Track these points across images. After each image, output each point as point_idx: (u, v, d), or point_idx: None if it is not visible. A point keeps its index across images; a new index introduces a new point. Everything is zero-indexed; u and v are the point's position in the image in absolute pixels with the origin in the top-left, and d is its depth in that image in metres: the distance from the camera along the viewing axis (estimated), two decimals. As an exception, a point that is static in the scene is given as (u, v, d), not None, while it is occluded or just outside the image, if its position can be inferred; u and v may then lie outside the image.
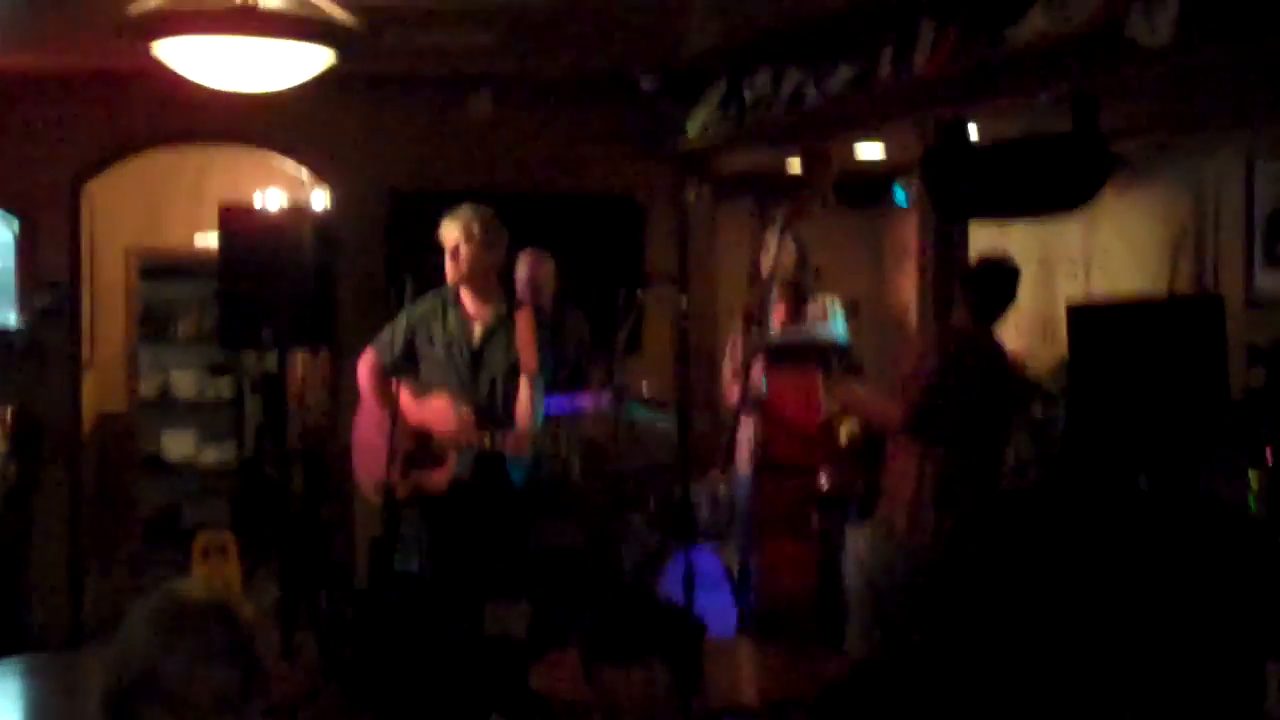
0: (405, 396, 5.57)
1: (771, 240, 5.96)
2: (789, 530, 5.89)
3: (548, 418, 5.61)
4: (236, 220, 6.82)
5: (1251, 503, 4.89)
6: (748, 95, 6.84)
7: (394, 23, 5.90)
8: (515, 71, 7.54)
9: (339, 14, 4.52)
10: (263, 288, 6.61)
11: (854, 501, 5.88)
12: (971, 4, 5.13)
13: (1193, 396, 5.26)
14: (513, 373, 5.51)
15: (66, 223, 7.63)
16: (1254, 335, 5.46)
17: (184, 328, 10.87)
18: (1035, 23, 4.67)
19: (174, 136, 8.02)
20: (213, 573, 8.20)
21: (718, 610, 5.65)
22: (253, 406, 10.68)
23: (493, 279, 5.66)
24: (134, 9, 4.39)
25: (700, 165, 7.92)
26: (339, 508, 7.82)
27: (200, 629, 2.13)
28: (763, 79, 6.68)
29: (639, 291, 6.10)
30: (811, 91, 6.25)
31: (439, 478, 5.51)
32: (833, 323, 6.06)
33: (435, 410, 5.51)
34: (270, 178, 9.11)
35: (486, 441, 5.41)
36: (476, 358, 5.58)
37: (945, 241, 6.28)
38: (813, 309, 6.09)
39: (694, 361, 7.84)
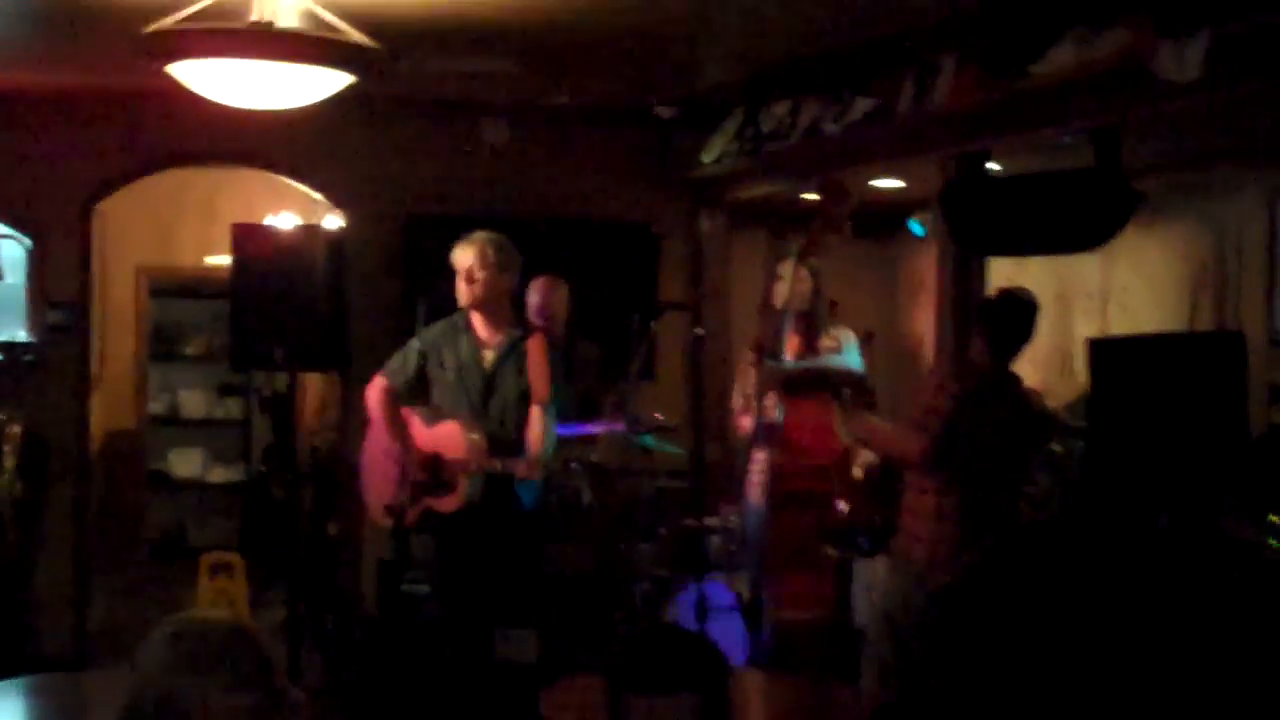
0: (416, 422, 5.54)
1: (785, 270, 5.93)
2: (802, 561, 5.84)
3: (559, 443, 5.58)
4: (249, 238, 6.80)
5: (1272, 542, 4.84)
6: (765, 125, 6.81)
7: (411, 47, 5.88)
8: (532, 98, 7.53)
9: (357, 36, 4.50)
10: (275, 307, 6.59)
11: (864, 535, 5.84)
12: (994, 39, 5.11)
13: (1212, 434, 5.21)
14: (524, 399, 5.48)
15: (78, 241, 7.61)
16: (1275, 373, 5.44)
17: (193, 347, 10.88)
18: (1062, 57, 4.65)
19: (186, 158, 8.02)
20: (219, 592, 8.16)
21: (726, 639, 5.60)
22: (261, 426, 10.67)
23: (505, 305, 5.64)
24: (150, 29, 4.36)
25: (715, 194, 7.91)
26: (347, 529, 7.79)
27: (220, 654, 2.11)
28: (780, 110, 6.66)
29: (652, 320, 6.08)
30: (830, 124, 6.22)
31: (449, 503, 5.47)
32: (846, 354, 6.02)
33: (446, 436, 5.47)
34: (282, 200, 9.10)
35: (497, 467, 5.37)
36: (488, 383, 5.55)
37: (963, 274, 6.24)
38: (826, 340, 6.06)
39: (707, 390, 7.84)
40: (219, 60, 4.39)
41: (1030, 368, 6.04)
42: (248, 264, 6.68)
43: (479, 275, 5.48)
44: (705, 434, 7.93)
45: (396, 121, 7.73)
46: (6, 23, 5.64)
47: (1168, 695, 4.89)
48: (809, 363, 5.93)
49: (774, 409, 5.83)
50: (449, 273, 5.55)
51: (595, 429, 6.26)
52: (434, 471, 5.44)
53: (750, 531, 5.93)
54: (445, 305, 5.65)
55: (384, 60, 4.59)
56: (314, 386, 9.67)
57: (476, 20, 5.52)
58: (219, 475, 10.93)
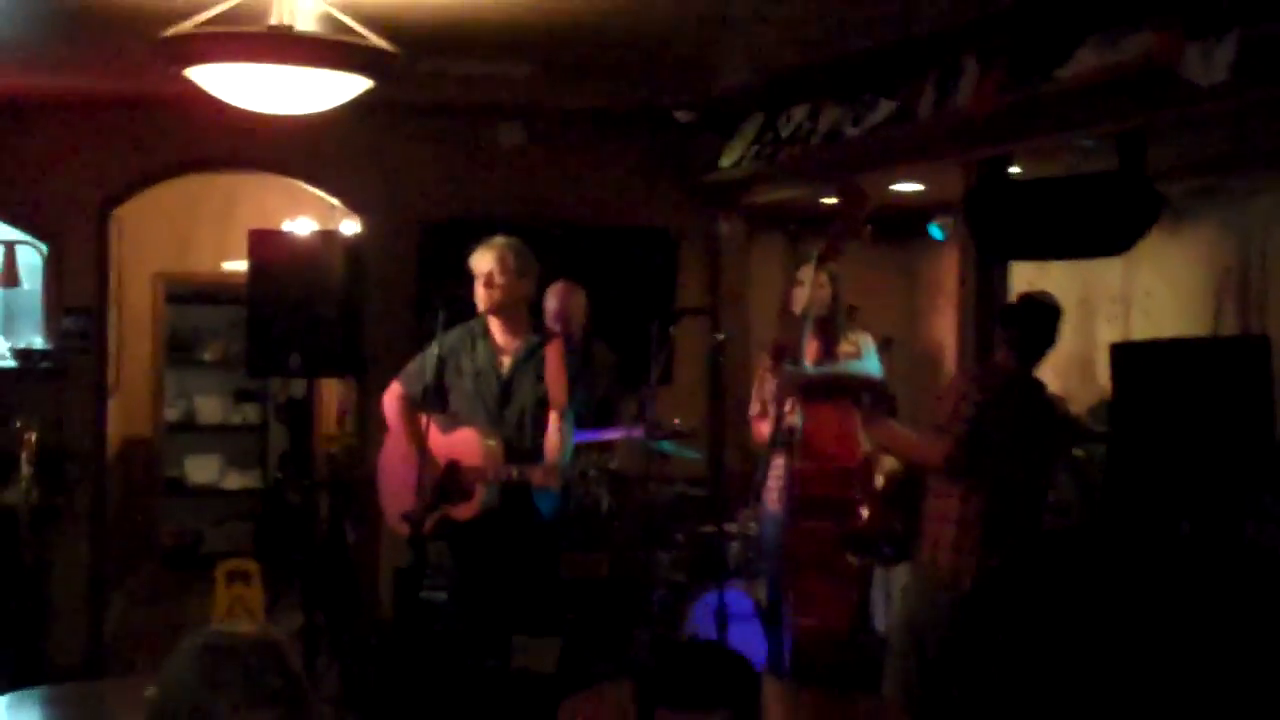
0: (433, 429, 5.51)
1: (805, 275, 5.89)
2: (823, 568, 5.80)
3: (576, 449, 5.54)
4: (266, 244, 6.79)
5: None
6: (784, 129, 6.77)
7: (429, 51, 5.85)
8: (549, 102, 7.50)
9: (375, 40, 4.47)
10: (292, 313, 6.57)
11: (884, 541, 5.80)
12: (1018, 42, 5.06)
13: (1236, 439, 5.17)
14: (541, 405, 5.45)
15: (94, 248, 7.60)
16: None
17: (210, 353, 10.88)
18: (1086, 60, 4.60)
19: (203, 164, 8.01)
20: (236, 599, 8.14)
21: (745, 647, 5.57)
22: (277, 433, 10.66)
23: (523, 310, 5.61)
24: (168, 33, 4.34)
25: (734, 199, 7.87)
26: (364, 536, 7.76)
27: (248, 669, 2.08)
28: (799, 113, 6.62)
29: (671, 325, 6.05)
30: (850, 127, 6.18)
31: (466, 511, 5.44)
32: (866, 359, 5.99)
33: (463, 442, 5.44)
34: (299, 205, 9.10)
35: (514, 474, 5.33)
36: (505, 389, 5.52)
37: (984, 279, 6.19)
38: (845, 345, 6.02)
39: (726, 396, 7.80)
40: (237, 64, 4.36)
41: (1052, 373, 6.00)
42: (264, 270, 6.67)
43: (498, 280, 5.45)
44: (724, 440, 7.90)
45: (413, 126, 7.71)
46: (24, 28, 5.63)
47: (1191, 700, 4.84)
48: (828, 368, 5.89)
49: (794, 414, 5.80)
50: (466, 278, 5.53)
51: (613, 435, 6.23)
52: (451, 478, 5.41)
53: (769, 538, 5.90)
54: (463, 311, 5.62)
55: (402, 65, 4.56)
56: (331, 393, 9.65)
57: (494, 25, 5.49)
58: (235, 482, 10.93)
